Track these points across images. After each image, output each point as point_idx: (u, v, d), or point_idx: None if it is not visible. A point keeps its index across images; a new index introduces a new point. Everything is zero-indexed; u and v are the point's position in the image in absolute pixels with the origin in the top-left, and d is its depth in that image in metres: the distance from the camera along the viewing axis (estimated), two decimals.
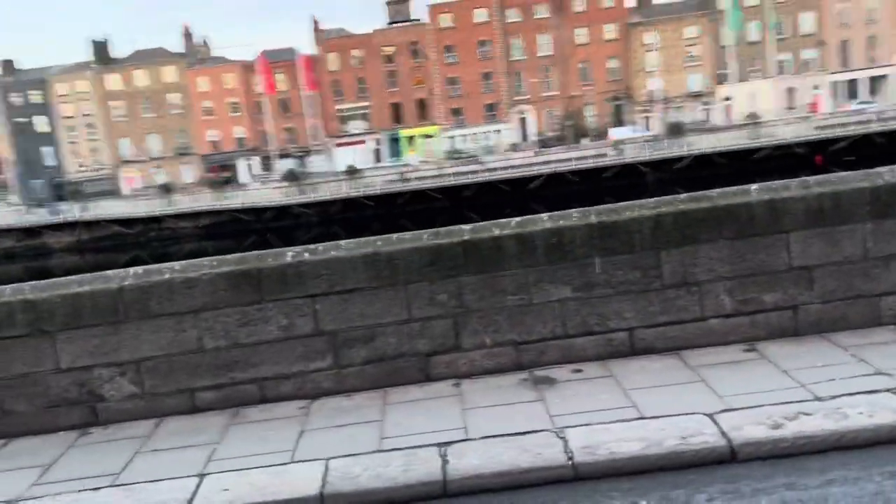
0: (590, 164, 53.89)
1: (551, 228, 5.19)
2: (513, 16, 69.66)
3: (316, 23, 73.19)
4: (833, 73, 65.92)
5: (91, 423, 5.25)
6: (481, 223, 5.29)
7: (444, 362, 5.28)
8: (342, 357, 5.26)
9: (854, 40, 65.49)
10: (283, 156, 70.56)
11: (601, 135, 65.46)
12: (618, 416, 4.41)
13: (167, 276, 5.18)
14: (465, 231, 5.23)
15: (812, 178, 5.29)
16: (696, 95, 68.07)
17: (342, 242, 5.27)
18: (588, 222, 5.19)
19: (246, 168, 73.05)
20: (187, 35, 76.05)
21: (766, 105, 64.17)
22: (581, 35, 68.91)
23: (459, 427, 4.54)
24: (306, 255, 5.20)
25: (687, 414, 4.32)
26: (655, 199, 5.29)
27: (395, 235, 5.29)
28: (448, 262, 5.17)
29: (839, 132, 50.59)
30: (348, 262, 5.18)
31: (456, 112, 70.76)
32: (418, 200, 55.59)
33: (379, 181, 59.74)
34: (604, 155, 55.37)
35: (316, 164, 69.62)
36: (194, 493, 4.08)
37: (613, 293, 5.22)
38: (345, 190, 58.75)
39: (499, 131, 69.41)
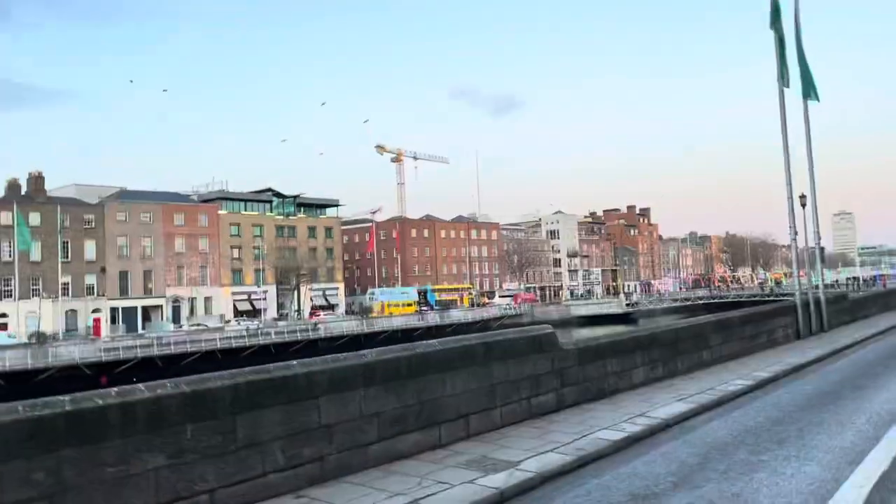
0: None
1: (151, 397, 5.46)
2: None
3: None
4: (113, 298, 70.08)
5: None
6: (82, 393, 5.15)
7: None
8: None
9: (133, 272, 71.85)
10: None
11: None
12: None
13: None
14: (66, 402, 5.01)
15: (369, 351, 7.09)
16: None
17: None
18: (182, 391, 5.68)
19: None
20: None
21: (48, 325, 62.95)
22: None
23: None
24: None
25: None
26: (230, 371, 6.16)
27: None
28: (49, 436, 4.83)
29: (123, 355, 53.43)
30: None
31: None
32: None
33: None
34: None
35: None
36: None
37: (200, 458, 5.71)
38: None
39: None
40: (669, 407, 10.40)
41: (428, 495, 6.35)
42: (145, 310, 72.30)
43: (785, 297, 63.52)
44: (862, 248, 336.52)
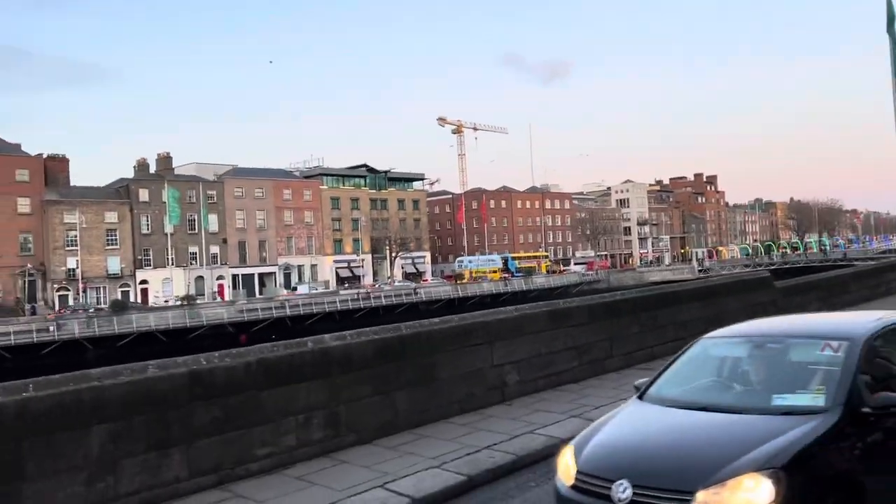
0: (32, 339, 50.01)
1: (458, 325, 10.95)
2: None
3: None
4: (234, 266, 77.53)
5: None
6: (458, 315, 10.64)
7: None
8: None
9: (249, 242, 79.10)
10: None
11: (15, 311, 60.58)
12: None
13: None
14: (455, 319, 10.48)
15: (614, 293, 12.47)
16: (115, 277, 69.87)
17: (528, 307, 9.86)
18: (487, 321, 11.13)
19: None
20: None
21: (180, 290, 70.57)
22: None
23: None
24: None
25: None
26: (478, 312, 11.59)
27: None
28: (469, 334, 10.34)
29: (260, 315, 60.54)
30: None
31: None
32: None
33: None
34: (46, 330, 52.02)
35: None
36: None
37: (510, 364, 11.16)
38: None
39: None
40: None
41: None
42: (261, 276, 79.62)
43: (853, 262, 66.71)
44: None
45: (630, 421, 4.79)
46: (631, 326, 10.71)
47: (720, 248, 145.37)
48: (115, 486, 5.02)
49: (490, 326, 8.23)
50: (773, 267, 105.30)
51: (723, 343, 5.54)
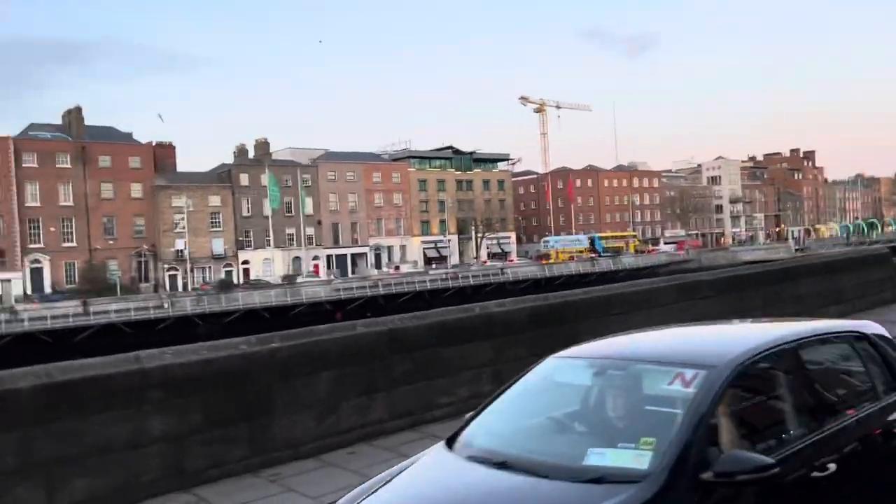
0: (149, 315, 53.78)
1: (599, 296, 11.36)
2: (29, 160, 65.16)
3: None
4: (327, 248, 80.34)
5: None
6: (556, 293, 11.11)
7: None
8: None
9: (342, 224, 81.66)
10: None
11: (131, 290, 65.05)
12: None
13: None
14: (552, 297, 10.97)
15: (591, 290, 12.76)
16: (219, 258, 73.67)
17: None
18: (625, 292, 11.54)
19: None
20: None
21: (279, 270, 73.80)
22: (106, 190, 68.45)
23: None
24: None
25: None
26: (616, 284, 11.97)
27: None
28: (567, 309, 10.82)
29: (357, 294, 62.80)
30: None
31: None
32: None
33: None
34: (161, 307, 55.78)
35: None
36: None
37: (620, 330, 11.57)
38: None
39: (8, 280, 61.96)
40: None
41: None
42: (353, 257, 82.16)
43: None
44: None
45: (409, 485, 3.43)
46: (754, 300, 11.15)
47: (818, 227, 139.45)
48: (337, 423, 6.06)
49: (626, 297, 8.93)
50: (876, 245, 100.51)
51: (568, 366, 4.00)
